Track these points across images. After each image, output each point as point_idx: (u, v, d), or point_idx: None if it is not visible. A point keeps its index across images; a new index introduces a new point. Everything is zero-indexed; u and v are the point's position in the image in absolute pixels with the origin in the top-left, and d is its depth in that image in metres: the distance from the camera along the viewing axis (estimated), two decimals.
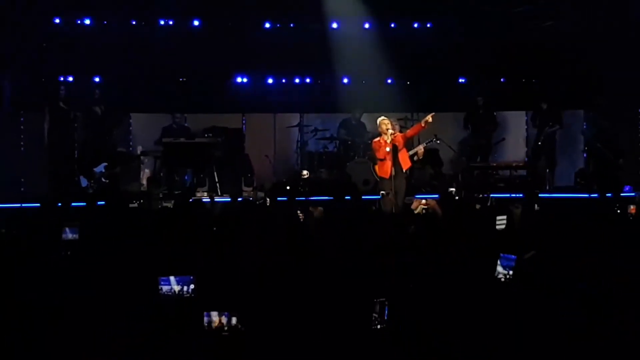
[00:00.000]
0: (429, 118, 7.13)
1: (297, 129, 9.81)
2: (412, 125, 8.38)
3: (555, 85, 9.99)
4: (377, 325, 3.21)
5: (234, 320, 3.19)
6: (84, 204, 7.40)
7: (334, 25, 9.53)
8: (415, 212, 6.52)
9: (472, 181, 9.13)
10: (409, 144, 7.57)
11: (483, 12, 9.70)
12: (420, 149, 7.85)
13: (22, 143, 8.83)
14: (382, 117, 7.43)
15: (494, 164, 9.48)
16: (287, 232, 5.53)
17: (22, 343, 3.11)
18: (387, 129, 7.14)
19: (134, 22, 9.45)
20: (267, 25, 9.59)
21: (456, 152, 9.39)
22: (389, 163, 7.19)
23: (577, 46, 9.51)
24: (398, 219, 6.26)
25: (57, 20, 9.21)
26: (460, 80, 10.30)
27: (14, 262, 4.62)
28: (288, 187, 8.78)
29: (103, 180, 8.70)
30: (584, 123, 9.87)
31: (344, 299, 3.61)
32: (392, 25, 10.05)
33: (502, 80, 10.46)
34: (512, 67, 10.08)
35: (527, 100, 9.76)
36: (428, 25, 10.01)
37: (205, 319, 3.17)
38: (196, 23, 9.45)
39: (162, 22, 9.68)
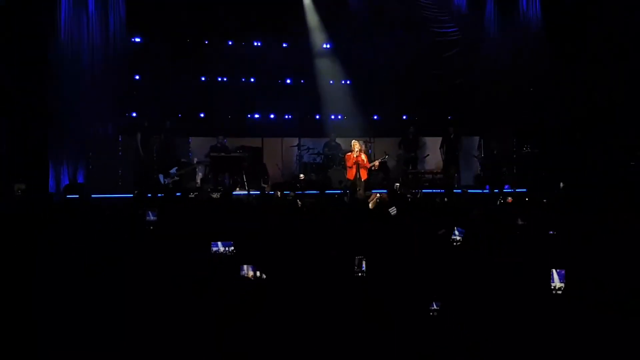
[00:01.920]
0: (376, 164, 10.83)
1: (296, 148, 12.99)
2: (370, 145, 12.15)
3: (460, 120, 13.00)
4: (358, 274, 4.08)
5: (258, 272, 4.15)
6: (162, 194, 10.11)
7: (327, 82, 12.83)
8: (373, 201, 9.22)
9: (408, 182, 12.14)
10: (367, 164, 10.67)
11: (420, 58, 12.63)
12: (376, 163, 11.10)
13: (119, 154, 11.79)
14: (354, 140, 10.83)
15: (422, 171, 12.88)
16: (291, 213, 7.73)
17: (113, 289, 3.72)
18: (355, 148, 10.45)
19: (203, 79, 12.55)
20: (282, 81, 12.92)
21: (398, 163, 12.68)
22: (354, 170, 10.51)
23: (478, 94, 12.62)
24: (360, 204, 8.89)
25: (137, 77, 12.26)
26: (403, 117, 13.63)
27: (116, 231, 6.17)
28: (290, 185, 11.38)
29: (174, 179, 11.49)
30: (478, 145, 13.18)
31: (335, 251, 4.86)
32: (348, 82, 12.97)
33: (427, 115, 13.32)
34: (435, 106, 13.08)
35: (441, 129, 12.86)
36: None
37: (241, 271, 4.06)
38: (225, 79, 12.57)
39: (219, 79, 12.77)
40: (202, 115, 13.09)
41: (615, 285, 3.63)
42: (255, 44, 12.78)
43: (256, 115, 13.06)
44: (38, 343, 2.76)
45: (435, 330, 2.93)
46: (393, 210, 7.50)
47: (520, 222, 6.76)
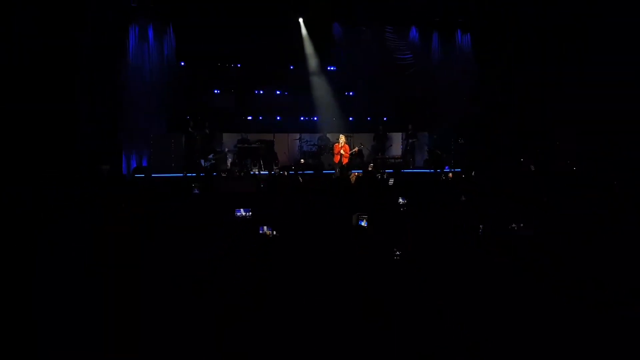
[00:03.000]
0: (356, 150, 13.49)
1: (298, 140, 15.44)
2: (350, 139, 14.15)
3: (415, 120, 15.47)
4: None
5: (273, 231, 5.08)
6: (203, 174, 12.47)
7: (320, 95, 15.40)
8: (352, 178, 11.48)
9: (377, 164, 14.15)
10: (349, 152, 13.12)
11: (387, 75, 15.21)
12: (356, 149, 13.69)
13: (171, 146, 13.79)
14: (341, 135, 13.37)
15: (387, 157, 15.20)
16: (294, 187, 10.33)
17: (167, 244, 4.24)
18: (341, 140, 13.09)
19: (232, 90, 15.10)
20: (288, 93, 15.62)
21: (370, 151, 15.15)
22: (338, 157, 13.18)
23: (428, 101, 15.26)
24: (343, 180, 11.50)
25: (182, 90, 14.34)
26: (384, 119, 16.05)
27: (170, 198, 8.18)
28: (294, 167, 13.35)
29: (212, 162, 13.50)
30: (427, 138, 15.75)
31: (331, 214, 6.20)
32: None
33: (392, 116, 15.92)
34: (398, 110, 15.65)
35: (402, 127, 15.41)
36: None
37: (260, 230, 5.07)
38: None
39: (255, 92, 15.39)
40: (230, 118, 15.56)
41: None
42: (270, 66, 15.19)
43: (268, 117, 15.63)
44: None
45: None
46: (391, 181, 9.86)
47: (463, 199, 8.54)
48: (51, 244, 4.31)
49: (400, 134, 15.56)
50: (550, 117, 14.22)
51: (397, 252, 4.47)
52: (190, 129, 14.10)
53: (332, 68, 15.78)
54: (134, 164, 13.90)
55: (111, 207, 6.40)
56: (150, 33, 14.20)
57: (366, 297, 3.31)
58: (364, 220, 5.61)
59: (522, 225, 5.38)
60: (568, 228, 5.13)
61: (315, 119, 16.18)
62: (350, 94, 15.95)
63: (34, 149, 10.12)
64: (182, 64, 14.83)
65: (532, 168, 13.09)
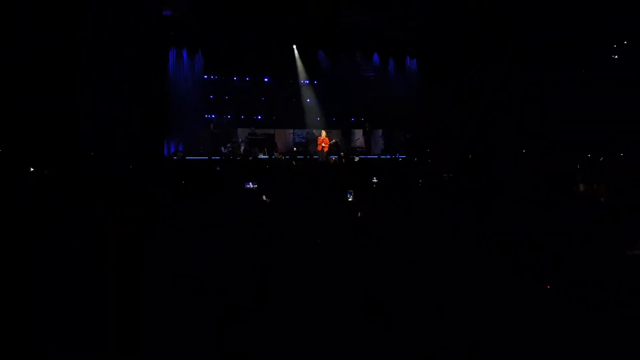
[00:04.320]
0: (333, 141, 16.86)
1: (292, 134, 18.78)
2: (329, 133, 17.35)
3: (375, 119, 18.94)
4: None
5: (270, 199, 6.21)
6: (221, 157, 15.90)
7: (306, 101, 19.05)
8: (331, 161, 15.15)
9: (349, 152, 17.65)
10: (328, 143, 16.68)
11: (356, 89, 18.83)
12: (334, 141, 17.15)
13: (199, 137, 17.09)
14: (322, 130, 16.99)
15: (355, 147, 18.88)
16: (288, 168, 13.16)
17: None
18: (323, 134, 16.68)
19: (242, 98, 18.34)
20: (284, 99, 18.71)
21: (343, 143, 18.79)
22: (321, 146, 16.76)
23: (386, 108, 18.68)
24: (325, 164, 14.56)
25: (211, 97, 17.96)
26: (351, 119, 19.86)
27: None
28: (289, 154, 16.19)
29: (229, 149, 16.77)
30: (382, 134, 19.49)
31: (321, 188, 7.32)
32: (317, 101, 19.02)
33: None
34: (361, 113, 19.25)
35: (361, 125, 19.00)
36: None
37: (262, 198, 6.24)
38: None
39: (266, 79, 18.21)
40: (242, 117, 18.85)
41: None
42: (271, 80, 18.93)
43: (269, 116, 19.10)
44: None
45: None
46: (357, 159, 14.61)
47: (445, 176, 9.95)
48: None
49: (361, 130, 19.48)
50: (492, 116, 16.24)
51: (360, 215, 4.95)
52: (211, 128, 17.79)
53: (316, 82, 19.36)
54: (172, 149, 17.28)
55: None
56: (184, 54, 17.89)
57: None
58: (351, 194, 5.98)
59: (450, 175, 7.96)
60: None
61: (308, 119, 19.76)
62: (337, 100, 19.43)
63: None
64: (210, 77, 18.48)
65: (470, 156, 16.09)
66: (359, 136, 19.56)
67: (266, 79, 19.18)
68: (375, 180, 8.80)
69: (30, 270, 3.52)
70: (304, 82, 19.22)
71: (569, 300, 3.09)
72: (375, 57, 19.55)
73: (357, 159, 13.83)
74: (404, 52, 19.43)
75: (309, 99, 19.51)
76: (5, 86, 9.61)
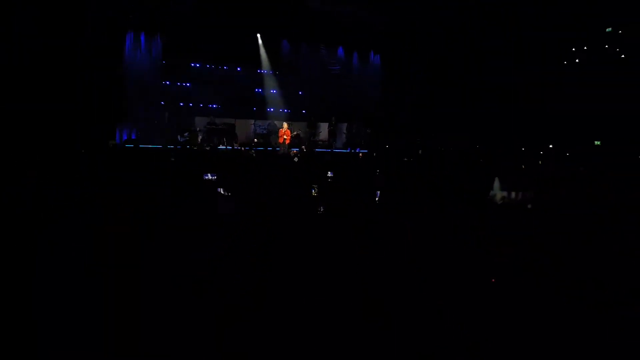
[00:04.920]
0: (295, 133, 17.05)
1: (253, 125, 18.47)
2: (291, 125, 17.65)
3: (341, 113, 19.12)
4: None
5: (228, 193, 5.80)
6: (180, 146, 15.64)
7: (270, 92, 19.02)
8: (294, 155, 13.68)
9: (311, 144, 17.72)
10: (290, 135, 16.86)
11: (319, 81, 19.04)
12: (295, 133, 17.40)
13: (155, 127, 17.09)
14: (284, 122, 17.26)
15: (318, 140, 18.87)
16: (245, 157, 13.75)
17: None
18: (284, 126, 16.97)
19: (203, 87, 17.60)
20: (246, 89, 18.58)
21: (305, 135, 18.67)
22: (282, 138, 17.07)
23: (348, 101, 19.28)
24: (286, 155, 14.00)
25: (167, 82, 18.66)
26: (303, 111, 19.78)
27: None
28: (248, 145, 15.63)
29: (186, 138, 16.18)
30: (346, 127, 19.65)
31: (282, 182, 6.77)
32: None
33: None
34: (325, 106, 19.13)
35: (327, 118, 18.88)
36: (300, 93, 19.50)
37: (219, 190, 5.86)
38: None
39: (226, 67, 17.84)
40: (201, 105, 18.29)
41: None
42: (238, 69, 18.56)
43: (229, 105, 18.46)
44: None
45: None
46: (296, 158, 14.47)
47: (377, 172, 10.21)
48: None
49: (327, 123, 19.41)
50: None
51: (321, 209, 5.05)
52: (167, 117, 17.33)
53: (279, 73, 19.16)
54: (125, 137, 16.77)
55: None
56: (142, 39, 17.20)
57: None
58: (314, 189, 6.04)
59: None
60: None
61: (270, 110, 19.44)
62: (300, 92, 19.49)
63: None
64: (164, 62, 17.69)
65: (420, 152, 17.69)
66: (321, 129, 19.49)
67: (226, 67, 18.85)
68: (331, 175, 8.63)
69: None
70: (267, 72, 18.97)
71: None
72: (340, 51, 19.60)
73: (296, 159, 13.05)
74: (368, 47, 19.61)
75: (272, 89, 19.28)
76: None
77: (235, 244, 4.19)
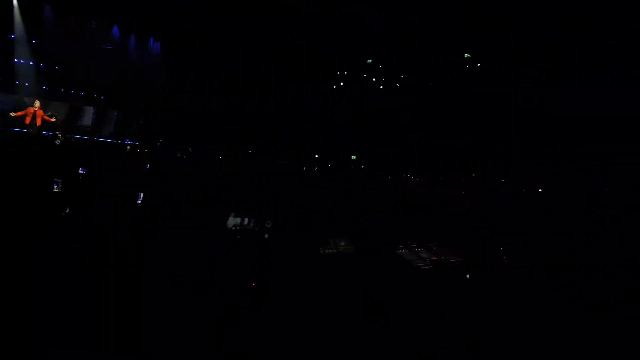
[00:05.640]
0: (53, 119, 13.66)
1: None
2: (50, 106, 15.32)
3: (112, 98, 17.21)
4: None
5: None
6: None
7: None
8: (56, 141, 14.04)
9: (65, 131, 15.12)
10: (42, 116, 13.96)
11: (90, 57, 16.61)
12: (50, 113, 14.36)
13: None
14: (36, 100, 14.06)
15: (79, 125, 16.67)
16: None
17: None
18: (36, 105, 13.84)
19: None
20: None
21: (64, 118, 16.31)
22: (30, 118, 14.14)
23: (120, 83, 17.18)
24: (32, 140, 13.44)
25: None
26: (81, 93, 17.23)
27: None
28: None
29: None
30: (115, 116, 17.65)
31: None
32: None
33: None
34: (94, 87, 17.17)
35: (94, 102, 17.01)
36: None
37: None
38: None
39: None
40: None
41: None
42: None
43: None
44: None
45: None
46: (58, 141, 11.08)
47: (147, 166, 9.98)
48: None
49: (92, 107, 17.30)
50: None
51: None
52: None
53: (35, 41, 16.45)
54: None
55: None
56: None
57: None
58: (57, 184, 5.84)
59: None
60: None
61: (17, 82, 16.94)
62: (56, 68, 17.03)
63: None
64: None
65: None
66: (85, 112, 17.37)
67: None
68: (82, 172, 7.79)
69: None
70: (20, 38, 16.17)
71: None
72: (115, 30, 17.54)
73: (58, 142, 11.74)
74: (148, 33, 18.10)
75: (24, 59, 16.40)
76: None
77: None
